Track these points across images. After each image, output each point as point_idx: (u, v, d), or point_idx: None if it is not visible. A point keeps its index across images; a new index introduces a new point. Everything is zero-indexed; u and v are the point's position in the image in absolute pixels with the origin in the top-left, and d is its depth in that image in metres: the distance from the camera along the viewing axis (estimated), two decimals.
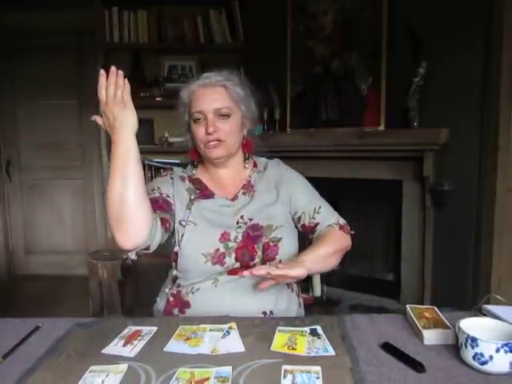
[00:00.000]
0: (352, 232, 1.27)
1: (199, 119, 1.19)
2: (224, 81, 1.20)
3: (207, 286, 1.16)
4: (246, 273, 0.99)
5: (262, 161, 1.34)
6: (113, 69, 0.98)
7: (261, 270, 0.98)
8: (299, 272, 1.01)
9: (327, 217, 1.26)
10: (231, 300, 1.14)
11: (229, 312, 1.09)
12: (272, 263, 1.16)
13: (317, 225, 1.25)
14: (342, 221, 1.27)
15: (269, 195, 1.26)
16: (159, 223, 1.10)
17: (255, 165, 1.33)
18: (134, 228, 1.01)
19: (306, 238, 1.30)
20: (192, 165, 1.30)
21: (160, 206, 1.16)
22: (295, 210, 1.27)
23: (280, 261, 1.17)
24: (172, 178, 1.26)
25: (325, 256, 1.13)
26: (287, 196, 1.27)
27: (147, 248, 1.08)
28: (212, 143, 1.18)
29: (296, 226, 1.28)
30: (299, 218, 1.27)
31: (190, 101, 1.21)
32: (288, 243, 1.20)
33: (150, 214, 1.04)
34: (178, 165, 1.36)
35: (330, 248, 1.16)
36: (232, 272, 1.16)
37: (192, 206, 1.21)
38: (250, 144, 1.29)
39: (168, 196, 1.20)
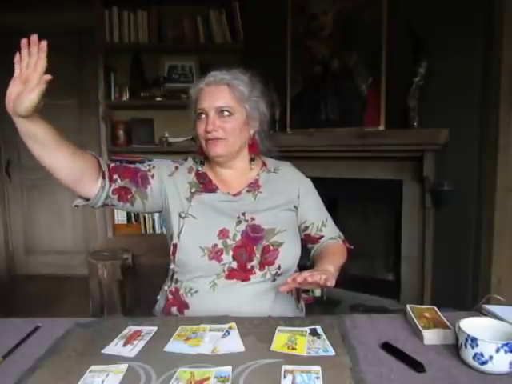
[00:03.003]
0: (351, 247, 1.33)
1: (201, 116, 1.19)
2: (229, 79, 1.19)
3: (205, 289, 1.15)
4: (283, 288, 1.00)
5: (271, 161, 1.33)
6: (33, 38, 0.93)
7: (298, 278, 0.97)
8: (333, 283, 1.00)
9: (331, 230, 1.32)
10: (229, 305, 1.13)
11: None
12: (271, 268, 1.16)
13: (321, 237, 1.30)
14: (342, 235, 1.35)
15: (276, 198, 1.25)
16: (107, 189, 1.14)
17: (264, 164, 1.31)
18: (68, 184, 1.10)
19: (306, 246, 1.32)
20: (200, 161, 1.30)
21: (133, 177, 1.19)
22: (305, 219, 1.28)
23: (298, 270, 1.21)
24: (177, 168, 1.26)
25: (339, 269, 1.17)
26: (297, 203, 1.27)
27: (92, 206, 1.18)
28: (211, 140, 1.18)
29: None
30: (306, 228, 1.29)
31: (196, 98, 1.22)
32: (289, 248, 1.19)
33: (76, 180, 1.10)
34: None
35: (342, 261, 1.22)
36: (230, 275, 1.15)
37: (192, 199, 1.21)
38: (256, 145, 1.27)
39: (153, 177, 1.21)
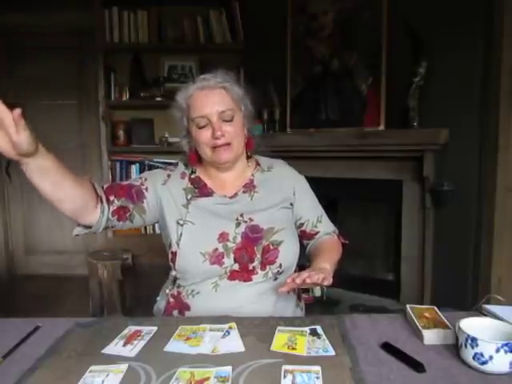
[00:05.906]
0: (346, 242, 1.34)
1: (202, 124, 1.16)
2: (223, 82, 1.18)
3: (207, 290, 1.15)
4: (282, 289, 1.00)
5: (264, 160, 1.33)
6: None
7: (297, 280, 0.98)
8: (330, 282, 1.00)
9: (326, 226, 1.33)
10: (230, 305, 1.13)
11: None
12: (273, 267, 1.16)
13: (317, 233, 1.31)
14: (337, 230, 1.35)
15: (272, 196, 1.25)
16: (106, 213, 1.13)
17: (258, 163, 1.31)
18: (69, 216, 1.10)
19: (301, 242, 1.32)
20: (192, 170, 1.28)
21: (128, 194, 1.18)
22: (300, 216, 1.29)
23: (298, 269, 1.22)
24: (169, 176, 1.25)
25: (336, 265, 1.18)
26: (293, 200, 1.27)
27: (94, 232, 1.17)
28: (221, 147, 1.16)
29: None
30: (302, 224, 1.30)
31: (188, 105, 1.19)
32: (288, 247, 1.19)
33: (78, 209, 1.08)
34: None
35: (338, 257, 1.23)
36: (232, 276, 1.15)
37: (189, 205, 1.21)
38: (251, 142, 1.27)
39: (147, 189, 1.20)
